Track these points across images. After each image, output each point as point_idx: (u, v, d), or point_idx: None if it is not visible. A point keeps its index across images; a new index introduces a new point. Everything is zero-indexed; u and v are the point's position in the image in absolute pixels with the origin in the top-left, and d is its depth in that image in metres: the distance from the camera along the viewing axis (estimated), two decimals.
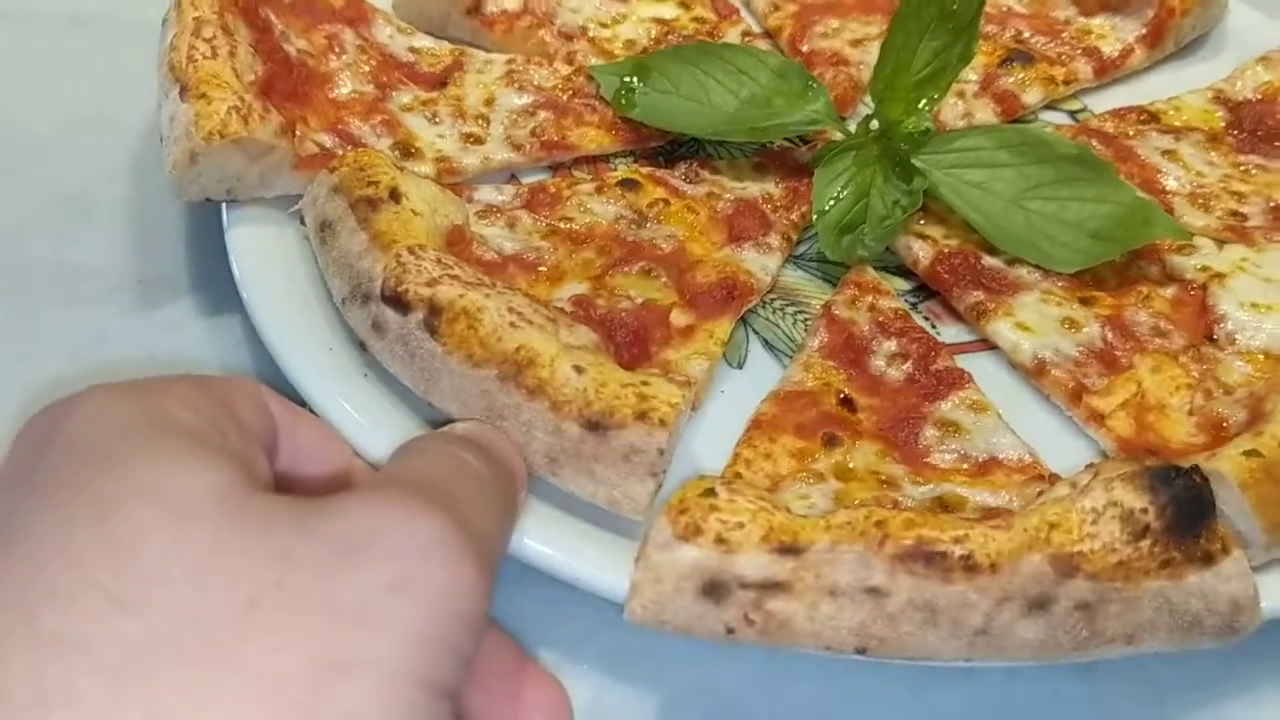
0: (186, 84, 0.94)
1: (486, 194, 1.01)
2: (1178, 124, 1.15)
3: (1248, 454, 0.78)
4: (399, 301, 0.82)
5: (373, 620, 0.52)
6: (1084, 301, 0.97)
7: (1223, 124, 1.15)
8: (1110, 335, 0.94)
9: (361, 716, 0.49)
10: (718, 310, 0.93)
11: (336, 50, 1.09)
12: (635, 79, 1.10)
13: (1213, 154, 1.12)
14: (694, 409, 0.89)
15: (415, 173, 0.96)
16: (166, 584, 0.51)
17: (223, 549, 0.52)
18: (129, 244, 1.06)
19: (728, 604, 0.67)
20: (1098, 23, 1.26)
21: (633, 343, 0.88)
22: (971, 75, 1.19)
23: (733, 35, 1.21)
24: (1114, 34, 1.24)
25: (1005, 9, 1.28)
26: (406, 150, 1.03)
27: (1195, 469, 0.71)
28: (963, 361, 0.94)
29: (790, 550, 0.68)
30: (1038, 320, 0.95)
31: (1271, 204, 1.07)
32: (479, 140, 1.06)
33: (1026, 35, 1.24)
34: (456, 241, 0.92)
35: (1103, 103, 1.19)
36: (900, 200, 1.01)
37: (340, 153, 0.96)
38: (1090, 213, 1.00)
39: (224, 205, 0.96)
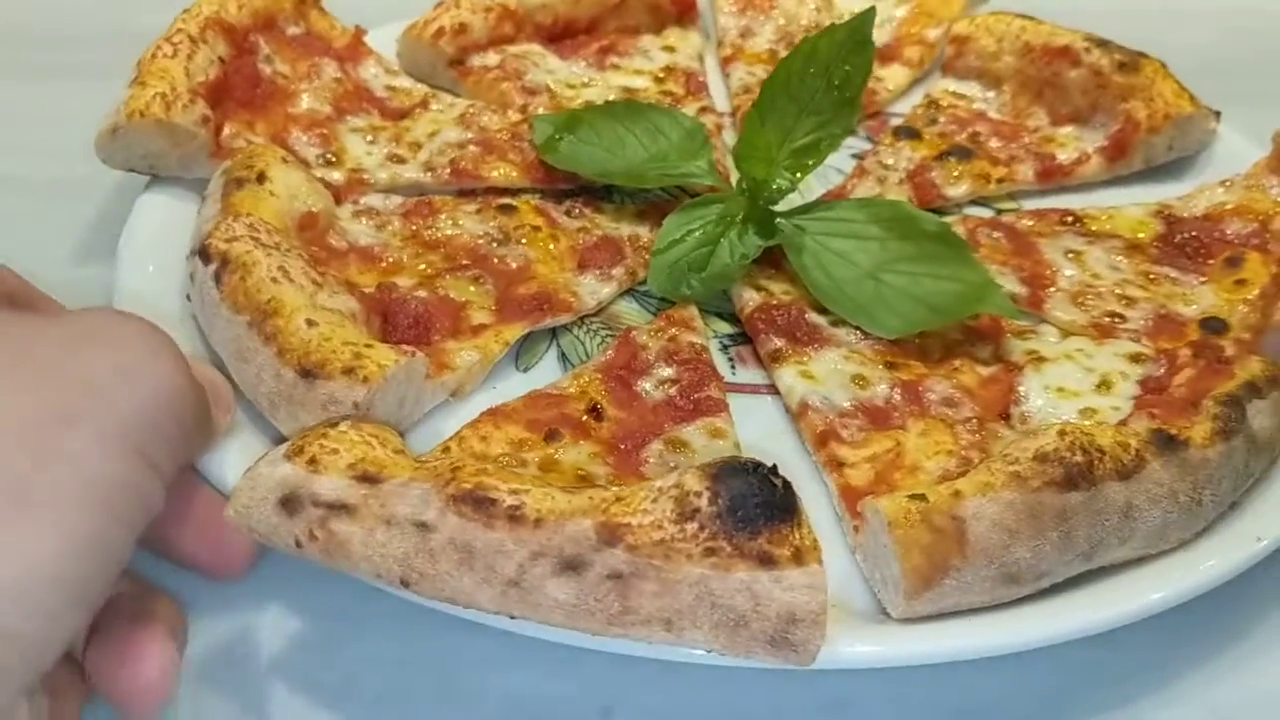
0: (137, 74, 1.10)
1: (375, 200, 1.10)
2: (1101, 230, 1.11)
3: (914, 497, 0.76)
4: (204, 253, 0.93)
5: (98, 392, 0.65)
6: (890, 366, 0.96)
7: (1153, 235, 1.11)
8: (896, 397, 0.93)
9: (82, 458, 0.62)
10: (517, 317, 0.99)
11: (311, 77, 1.23)
12: (567, 129, 1.17)
13: (1123, 260, 1.08)
14: (455, 396, 0.94)
15: (319, 176, 1.08)
16: None
17: None
18: None
19: (298, 518, 0.72)
20: (1064, 131, 1.24)
21: (411, 326, 0.95)
22: (903, 163, 1.19)
23: (690, 108, 1.27)
24: (1074, 143, 1.22)
25: (978, 112, 1.28)
26: (330, 160, 1.15)
27: (774, 469, 0.70)
28: (747, 401, 0.95)
29: (369, 479, 0.72)
30: (827, 373, 0.95)
31: (1161, 312, 1.02)
32: (401, 161, 1.17)
33: (982, 135, 1.24)
34: (308, 226, 1.02)
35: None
36: (747, 253, 1.04)
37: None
38: (938, 289, 0.99)
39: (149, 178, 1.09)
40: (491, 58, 1.31)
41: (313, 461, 0.73)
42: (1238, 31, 1.64)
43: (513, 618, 0.70)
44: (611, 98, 1.28)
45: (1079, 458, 0.77)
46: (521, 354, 0.99)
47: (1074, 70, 1.24)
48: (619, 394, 0.92)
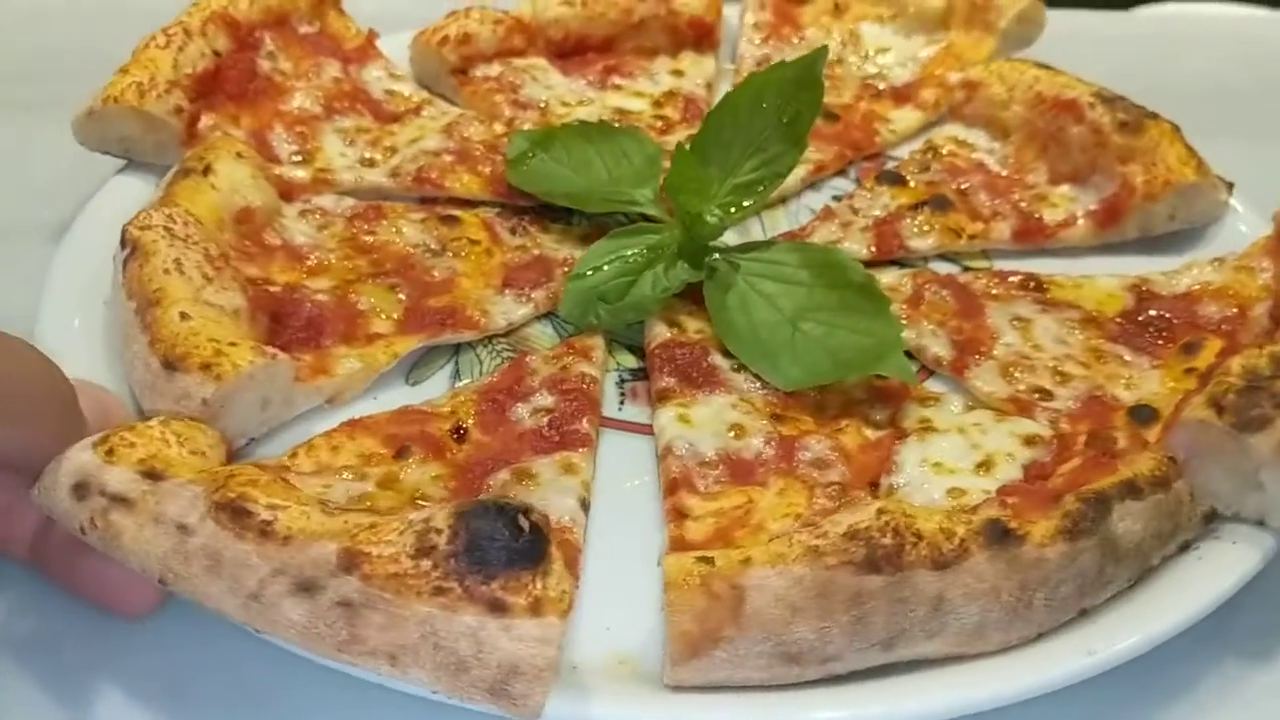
0: (129, 62, 1.15)
1: (326, 201, 1.12)
2: (1062, 298, 1.05)
3: (702, 559, 0.73)
4: (122, 239, 0.96)
5: None
6: (776, 418, 0.92)
7: (1119, 310, 1.03)
8: (768, 452, 0.89)
9: None
10: (417, 330, 0.99)
11: (309, 76, 1.26)
12: (540, 146, 1.17)
13: (1075, 334, 1.01)
14: (332, 403, 0.95)
15: (285, 173, 1.12)
16: None
17: None
18: None
19: (85, 505, 0.73)
20: (1060, 190, 1.17)
21: (303, 328, 0.96)
22: (876, 209, 1.15)
23: (680, 135, 1.25)
24: (1066, 204, 1.15)
25: (976, 163, 1.21)
26: (301, 158, 1.17)
27: (527, 512, 0.68)
28: (625, 439, 0.93)
29: (153, 475, 0.74)
30: (706, 418, 0.92)
31: (1095, 394, 0.95)
32: (371, 165, 1.19)
33: (972, 187, 1.18)
34: (244, 220, 1.05)
35: (1035, 268, 1.10)
36: (670, 286, 1.01)
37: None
38: (848, 343, 0.96)
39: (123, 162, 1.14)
40: (494, 69, 1.32)
41: (110, 452, 0.75)
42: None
43: (257, 631, 0.70)
44: (603, 118, 1.26)
45: (887, 540, 0.73)
46: (417, 366, 0.99)
47: (1077, 126, 1.16)
48: (489, 418, 0.92)
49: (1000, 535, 0.75)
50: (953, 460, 0.87)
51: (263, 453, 0.90)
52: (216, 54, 1.20)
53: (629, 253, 1.03)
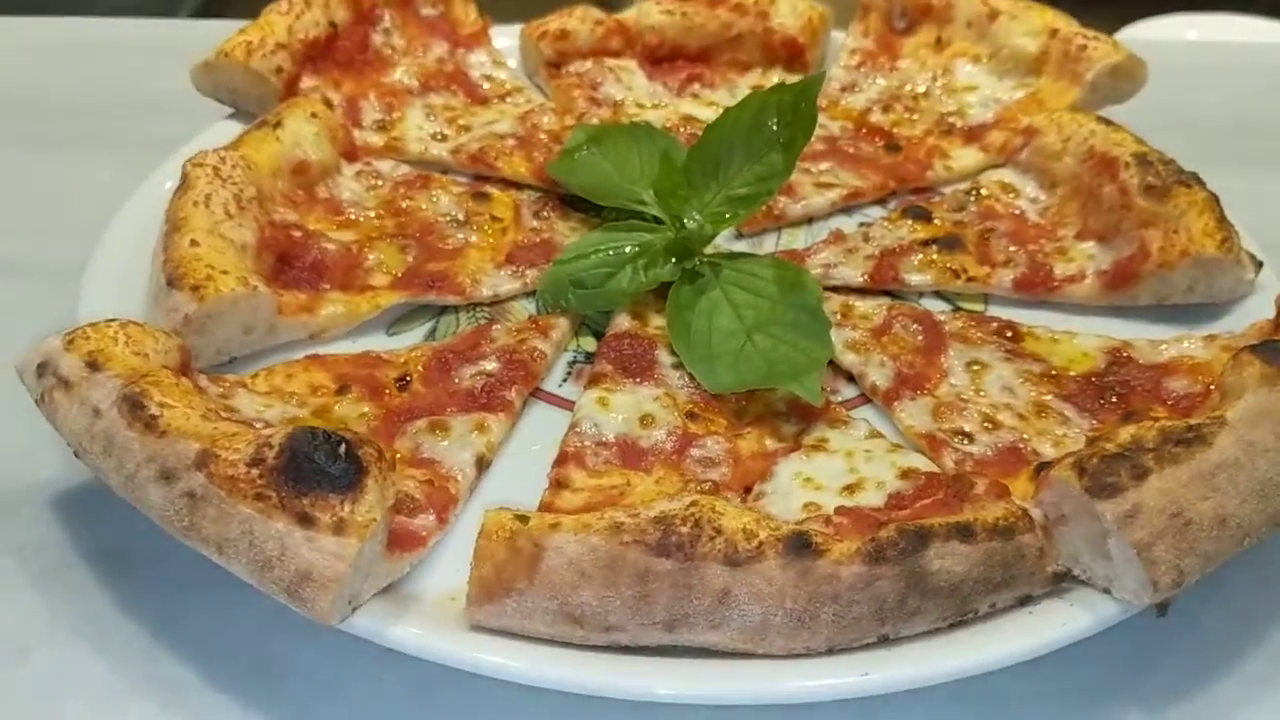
0: (250, 24, 1.31)
1: (384, 165, 1.25)
2: (1032, 351, 1.04)
3: (520, 517, 0.80)
4: (181, 173, 1.11)
5: None
6: (690, 415, 0.97)
7: (1087, 370, 1.02)
8: (667, 444, 0.95)
9: None
10: (404, 286, 1.09)
11: (417, 54, 1.39)
12: (594, 141, 1.25)
13: (1027, 386, 1.01)
14: (316, 338, 1.06)
15: (361, 138, 1.25)
16: None
17: None
18: None
19: (42, 381, 0.88)
20: (1083, 246, 1.15)
21: (306, 269, 1.09)
22: (889, 241, 1.17)
23: None
24: (1084, 260, 1.14)
25: (1014, 210, 1.21)
26: (381, 125, 1.30)
27: (348, 444, 0.77)
28: (555, 413, 1.00)
29: (93, 366, 0.87)
30: (624, 404, 0.98)
31: (1016, 445, 0.96)
32: (441, 140, 1.30)
33: (998, 232, 1.18)
34: (300, 172, 1.18)
35: (1034, 317, 1.10)
36: (647, 283, 1.08)
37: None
38: (785, 358, 1.00)
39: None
40: (585, 66, 1.41)
41: (71, 343, 0.89)
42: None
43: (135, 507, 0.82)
44: (672, 122, 1.33)
45: (685, 529, 0.78)
46: (401, 320, 1.09)
47: (1110, 185, 1.15)
48: (434, 374, 1.01)
49: (799, 546, 0.78)
50: (824, 478, 0.90)
51: (243, 370, 1.02)
52: (332, 24, 1.35)
53: (616, 245, 1.10)
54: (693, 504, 0.79)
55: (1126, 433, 0.84)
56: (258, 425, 0.91)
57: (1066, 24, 1.34)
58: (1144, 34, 2.36)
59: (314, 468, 0.76)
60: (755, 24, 1.42)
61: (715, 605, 0.77)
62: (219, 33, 1.29)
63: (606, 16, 1.42)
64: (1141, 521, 0.79)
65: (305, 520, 0.76)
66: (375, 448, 0.80)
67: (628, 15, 1.43)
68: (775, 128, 1.09)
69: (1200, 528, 0.79)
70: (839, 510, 0.84)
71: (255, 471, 0.77)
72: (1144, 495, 0.80)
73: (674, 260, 1.09)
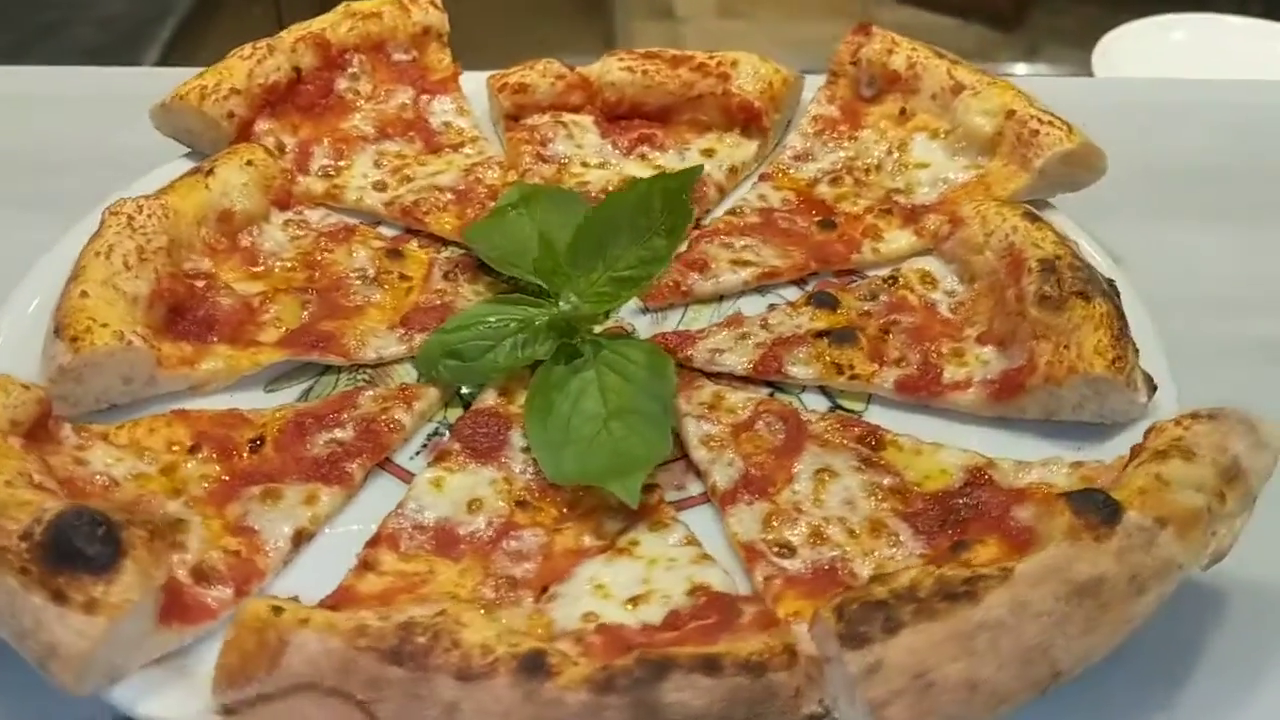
0: (209, 68, 1.36)
1: (314, 215, 1.29)
2: (890, 461, 1.02)
3: (276, 609, 0.82)
4: (99, 222, 1.17)
5: None
6: (520, 504, 0.98)
7: (939, 488, 0.99)
8: (486, 533, 0.96)
9: None
10: (287, 345, 1.12)
11: (378, 100, 1.42)
12: (525, 201, 1.27)
13: (871, 501, 0.98)
14: (194, 391, 1.10)
15: (306, 185, 1.30)
16: None
17: None
18: None
19: None
20: (981, 351, 1.11)
21: (197, 322, 1.13)
22: (786, 329, 1.15)
23: None
24: (974, 365, 1.10)
25: (926, 303, 1.18)
26: (327, 172, 1.34)
27: (107, 528, 0.81)
28: (399, 488, 1.02)
29: None
30: (457, 487, 0.99)
31: (834, 564, 0.94)
32: (381, 189, 1.33)
33: (899, 326, 1.14)
34: (225, 220, 1.23)
35: (912, 424, 1.08)
36: (522, 359, 1.09)
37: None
38: (630, 452, 1.00)
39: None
40: (541, 119, 1.42)
41: None
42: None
43: None
44: (613, 184, 1.33)
45: (421, 639, 0.79)
46: (282, 378, 1.12)
47: (1013, 288, 1.11)
48: (289, 438, 1.04)
49: (533, 666, 0.78)
50: (616, 587, 0.89)
51: (121, 418, 1.06)
52: (296, 69, 1.39)
53: (498, 319, 1.11)
54: (440, 613, 0.81)
55: (908, 575, 0.82)
56: (99, 481, 0.96)
57: (1025, 105, 1.29)
58: (1132, 32, 2.26)
59: (73, 548, 0.80)
60: (715, 85, 1.40)
61: (442, 717, 0.78)
62: (166, 86, 1.33)
63: (569, 71, 1.43)
64: (881, 678, 0.77)
65: (59, 597, 0.79)
66: (147, 529, 0.83)
67: (591, 69, 1.43)
68: (659, 214, 1.08)
69: (944, 690, 0.77)
70: (599, 628, 0.84)
71: (24, 545, 0.81)
72: (889, 651, 0.77)
73: (555, 338, 1.09)
